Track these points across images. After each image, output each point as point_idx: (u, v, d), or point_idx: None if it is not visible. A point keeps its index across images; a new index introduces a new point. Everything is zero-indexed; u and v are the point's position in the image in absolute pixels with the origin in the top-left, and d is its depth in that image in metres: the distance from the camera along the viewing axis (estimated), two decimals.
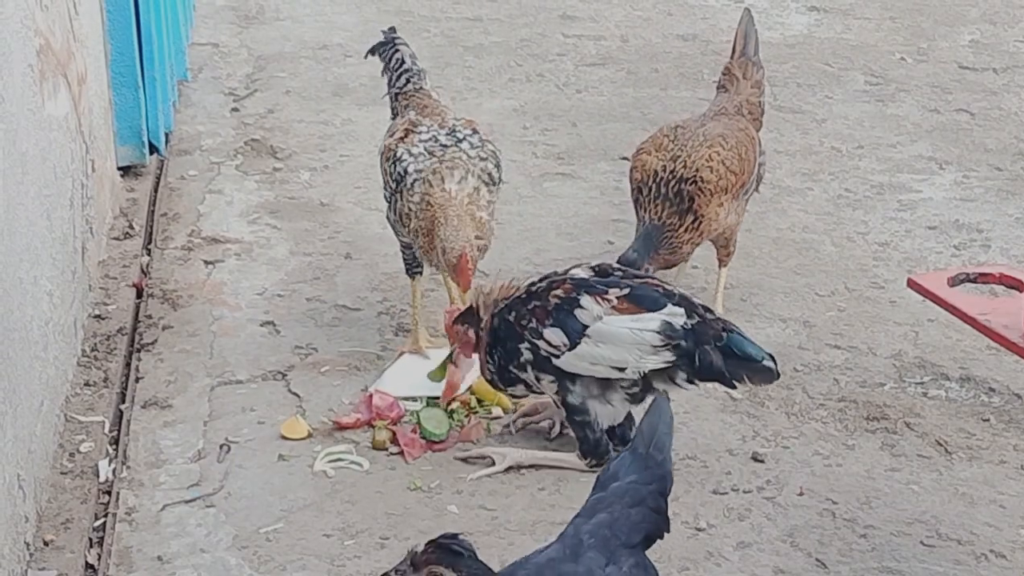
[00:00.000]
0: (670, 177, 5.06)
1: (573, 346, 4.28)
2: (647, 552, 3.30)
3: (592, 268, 4.45)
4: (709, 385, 4.47)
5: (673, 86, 7.79)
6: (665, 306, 4.29)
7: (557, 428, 4.63)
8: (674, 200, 5.05)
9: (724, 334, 4.27)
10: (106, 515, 4.23)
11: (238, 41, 8.46)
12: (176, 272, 5.66)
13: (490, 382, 4.53)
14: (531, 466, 4.45)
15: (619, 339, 4.26)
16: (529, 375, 4.39)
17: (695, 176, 5.05)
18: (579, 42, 8.49)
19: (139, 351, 5.10)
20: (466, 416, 4.69)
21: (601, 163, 6.79)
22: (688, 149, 5.12)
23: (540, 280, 4.45)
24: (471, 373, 4.64)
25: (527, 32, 8.66)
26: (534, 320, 4.34)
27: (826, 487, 4.39)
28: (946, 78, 7.91)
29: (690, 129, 5.24)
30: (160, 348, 5.11)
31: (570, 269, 4.47)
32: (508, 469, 4.42)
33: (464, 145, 4.87)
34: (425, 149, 4.86)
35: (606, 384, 4.33)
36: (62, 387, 4.66)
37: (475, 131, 4.97)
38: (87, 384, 4.84)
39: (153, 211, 6.24)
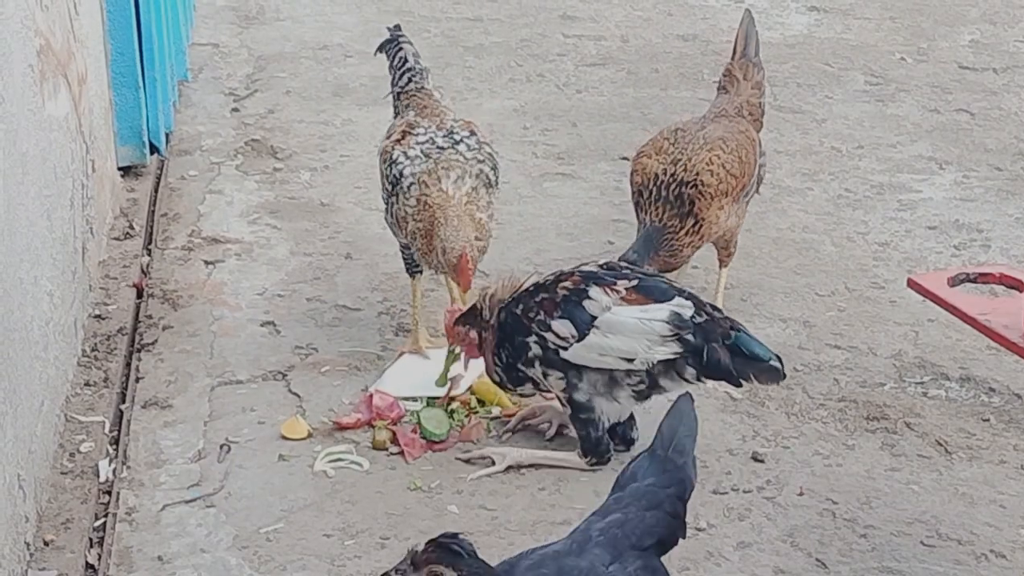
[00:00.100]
0: (670, 180, 5.06)
1: (582, 337, 4.28)
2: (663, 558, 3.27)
3: (600, 266, 4.46)
4: (710, 384, 4.48)
5: (673, 86, 7.79)
6: (674, 297, 4.30)
7: (553, 430, 4.63)
8: (674, 203, 5.05)
9: (732, 333, 4.29)
10: (106, 515, 4.23)
11: (238, 41, 8.46)
12: (176, 272, 5.66)
13: (498, 383, 4.53)
14: (531, 466, 4.45)
15: (628, 329, 4.26)
16: (536, 371, 4.39)
17: (695, 180, 5.05)
18: (579, 42, 8.49)
19: (139, 351, 5.10)
20: (466, 416, 4.69)
21: (601, 163, 6.79)
22: (688, 152, 5.12)
23: (547, 277, 4.45)
24: (471, 373, 4.64)
25: (527, 32, 8.66)
26: (542, 312, 4.34)
27: (826, 487, 4.39)
28: (946, 78, 7.91)
29: (690, 132, 5.23)
30: (160, 348, 5.11)
31: (578, 267, 4.48)
32: (508, 469, 4.43)
33: (461, 147, 4.86)
34: (421, 151, 4.84)
35: (613, 381, 4.34)
36: (62, 387, 4.66)
37: (473, 133, 4.95)
38: (87, 384, 4.84)
39: (153, 211, 6.24)
